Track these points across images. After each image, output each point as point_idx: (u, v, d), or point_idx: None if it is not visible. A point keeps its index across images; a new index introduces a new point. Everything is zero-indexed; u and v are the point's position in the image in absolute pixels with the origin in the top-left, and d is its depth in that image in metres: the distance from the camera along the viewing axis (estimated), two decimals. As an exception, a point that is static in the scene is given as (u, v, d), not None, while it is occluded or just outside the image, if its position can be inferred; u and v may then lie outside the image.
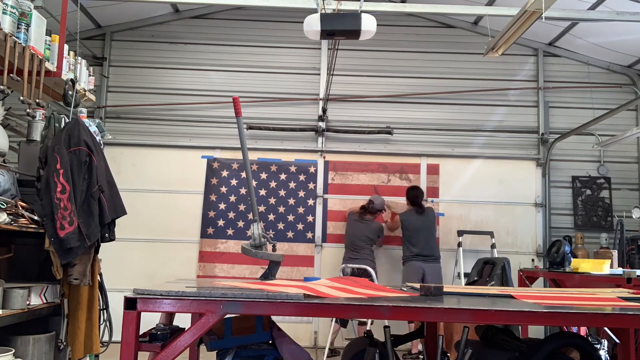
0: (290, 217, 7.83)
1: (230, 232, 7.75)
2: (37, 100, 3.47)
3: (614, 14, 5.99)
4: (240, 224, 7.77)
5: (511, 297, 2.60)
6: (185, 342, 2.19)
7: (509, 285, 5.17)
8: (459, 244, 7.46)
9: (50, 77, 3.76)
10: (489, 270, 5.20)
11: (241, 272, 7.63)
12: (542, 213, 7.92)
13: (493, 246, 7.46)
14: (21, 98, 3.36)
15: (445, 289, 2.74)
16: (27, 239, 3.37)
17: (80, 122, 3.39)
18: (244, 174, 7.75)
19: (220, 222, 7.77)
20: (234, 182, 7.88)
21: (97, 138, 3.59)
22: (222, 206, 7.80)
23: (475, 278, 5.40)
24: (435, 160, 8.00)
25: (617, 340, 2.95)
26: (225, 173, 7.90)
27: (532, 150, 8.06)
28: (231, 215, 7.79)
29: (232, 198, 7.84)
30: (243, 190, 7.84)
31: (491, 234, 7.57)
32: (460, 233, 7.57)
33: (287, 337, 3.22)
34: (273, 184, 7.88)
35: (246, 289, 2.38)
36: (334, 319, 6.07)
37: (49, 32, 3.75)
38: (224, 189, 7.86)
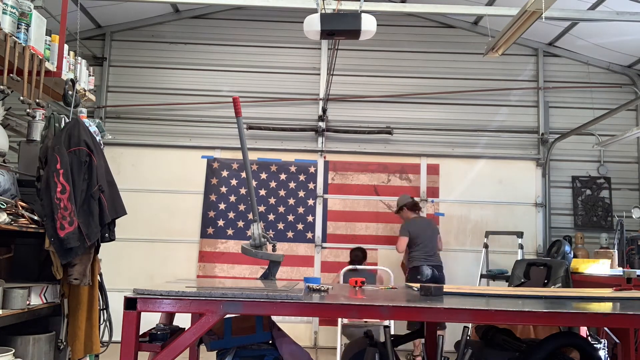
0: (290, 217, 7.83)
1: (230, 232, 7.75)
2: (37, 100, 3.47)
3: (614, 14, 5.98)
4: (240, 224, 7.77)
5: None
6: (185, 342, 2.18)
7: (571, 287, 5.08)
8: (485, 245, 7.43)
9: (50, 77, 3.75)
10: (543, 273, 5.07)
11: (241, 272, 7.63)
12: (542, 213, 7.92)
13: (520, 247, 7.18)
14: (21, 98, 3.36)
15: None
16: (27, 239, 3.37)
17: (80, 122, 3.38)
18: (244, 174, 7.75)
19: (220, 222, 7.77)
20: (234, 182, 7.88)
21: (97, 138, 3.58)
22: (222, 206, 7.80)
23: (522, 280, 5.28)
24: (435, 160, 8.00)
25: (617, 340, 2.95)
26: (225, 173, 7.90)
27: (532, 150, 8.06)
28: (231, 215, 7.79)
29: (232, 198, 7.83)
30: (243, 190, 7.84)
31: (519, 234, 7.27)
32: (487, 234, 7.52)
33: (287, 337, 3.22)
34: (273, 184, 7.88)
35: (246, 289, 2.37)
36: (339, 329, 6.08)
37: (49, 32, 3.75)
38: (224, 189, 7.86)
